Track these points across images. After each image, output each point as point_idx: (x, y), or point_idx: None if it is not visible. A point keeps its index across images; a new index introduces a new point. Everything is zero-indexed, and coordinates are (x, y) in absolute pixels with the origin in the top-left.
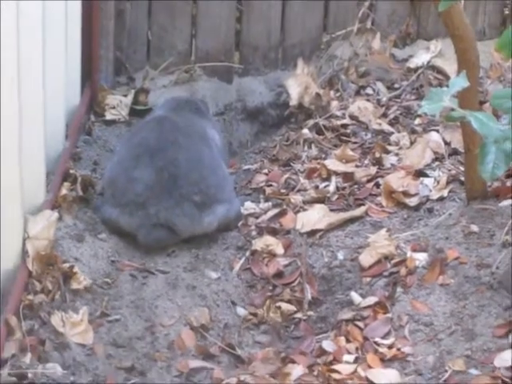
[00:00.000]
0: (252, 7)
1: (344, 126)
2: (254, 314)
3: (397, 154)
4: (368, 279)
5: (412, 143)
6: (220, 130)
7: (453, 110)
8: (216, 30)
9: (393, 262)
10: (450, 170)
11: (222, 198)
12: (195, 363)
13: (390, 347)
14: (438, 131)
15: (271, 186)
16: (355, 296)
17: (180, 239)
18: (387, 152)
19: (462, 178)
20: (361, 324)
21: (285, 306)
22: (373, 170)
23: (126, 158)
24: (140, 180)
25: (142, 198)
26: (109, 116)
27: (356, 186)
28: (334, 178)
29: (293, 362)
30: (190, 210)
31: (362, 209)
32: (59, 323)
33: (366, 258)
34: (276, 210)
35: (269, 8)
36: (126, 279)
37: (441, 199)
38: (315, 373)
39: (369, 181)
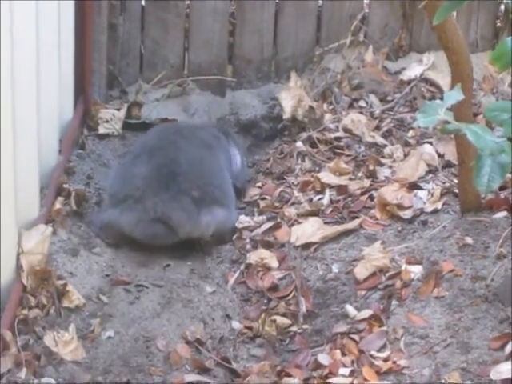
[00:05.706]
0: (245, 20)
1: (337, 138)
2: (249, 328)
3: (390, 167)
4: (363, 292)
5: (405, 156)
6: (243, 153)
7: (448, 122)
8: (209, 44)
9: (388, 274)
10: (443, 183)
11: (221, 200)
12: (191, 377)
13: (385, 360)
14: (431, 143)
15: (265, 199)
16: (350, 309)
17: (177, 238)
18: (381, 165)
19: (456, 191)
20: (356, 337)
21: (280, 320)
22: (366, 182)
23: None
24: (138, 175)
25: (140, 192)
26: (102, 130)
27: (350, 199)
28: (327, 191)
29: (288, 375)
30: (188, 205)
31: (356, 221)
32: (52, 343)
33: (361, 271)
34: (270, 224)
35: (261, 21)
36: (121, 293)
37: (435, 212)
38: None
39: (363, 193)
